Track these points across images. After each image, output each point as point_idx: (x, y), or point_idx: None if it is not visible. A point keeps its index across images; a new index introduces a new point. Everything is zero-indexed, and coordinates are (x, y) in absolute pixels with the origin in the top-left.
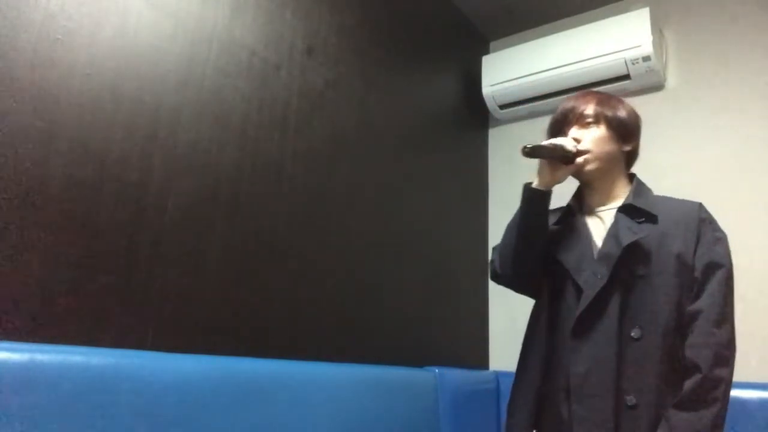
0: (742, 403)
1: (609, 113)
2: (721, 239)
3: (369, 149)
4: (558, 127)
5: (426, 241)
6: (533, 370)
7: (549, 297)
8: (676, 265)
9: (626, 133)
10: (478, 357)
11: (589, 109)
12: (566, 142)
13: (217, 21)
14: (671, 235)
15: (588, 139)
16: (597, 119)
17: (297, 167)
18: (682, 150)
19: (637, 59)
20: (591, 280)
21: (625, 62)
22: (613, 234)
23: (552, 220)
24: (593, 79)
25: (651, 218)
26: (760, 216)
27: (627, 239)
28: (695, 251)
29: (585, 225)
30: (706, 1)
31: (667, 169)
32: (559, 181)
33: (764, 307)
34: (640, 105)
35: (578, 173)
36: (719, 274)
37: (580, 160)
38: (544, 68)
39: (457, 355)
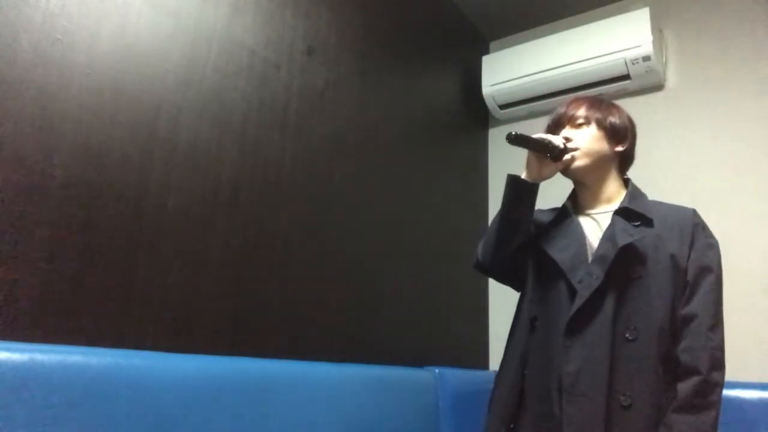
0: (742, 403)
1: (599, 115)
2: (713, 245)
3: (369, 149)
4: (551, 131)
5: (426, 240)
6: (513, 368)
7: (539, 295)
8: (671, 267)
9: (617, 134)
10: (478, 357)
11: (581, 111)
12: (554, 138)
13: (217, 21)
14: (666, 238)
15: (578, 137)
16: (588, 120)
17: (297, 167)
18: (682, 150)
19: (637, 59)
20: (586, 280)
21: (625, 62)
22: (609, 236)
23: (547, 219)
24: (593, 79)
25: (647, 222)
26: (760, 216)
27: (623, 241)
28: (689, 255)
29: (579, 226)
30: (706, 1)
31: (667, 169)
32: (546, 177)
33: (764, 307)
34: (640, 105)
35: (568, 170)
36: (710, 279)
37: (567, 156)
38: (544, 68)
39: (457, 355)
